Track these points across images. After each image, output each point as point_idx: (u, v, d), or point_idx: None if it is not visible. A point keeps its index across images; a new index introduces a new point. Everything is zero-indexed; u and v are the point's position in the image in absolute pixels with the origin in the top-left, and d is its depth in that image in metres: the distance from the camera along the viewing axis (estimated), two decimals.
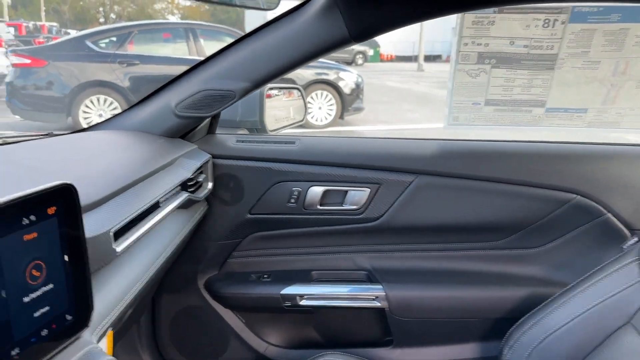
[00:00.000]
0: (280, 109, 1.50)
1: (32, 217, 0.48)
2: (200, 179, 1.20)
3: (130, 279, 0.84)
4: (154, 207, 0.92)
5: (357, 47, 20.11)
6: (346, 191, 1.30)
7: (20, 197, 0.46)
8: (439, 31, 22.02)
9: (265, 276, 1.38)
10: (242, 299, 1.36)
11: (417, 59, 21.52)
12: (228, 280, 1.39)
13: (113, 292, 0.78)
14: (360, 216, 1.31)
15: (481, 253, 1.36)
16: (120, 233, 0.77)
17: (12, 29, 19.48)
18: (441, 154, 1.30)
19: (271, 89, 1.43)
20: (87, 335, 0.62)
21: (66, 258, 0.55)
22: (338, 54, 14.73)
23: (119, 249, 0.76)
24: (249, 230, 1.36)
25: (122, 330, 1.15)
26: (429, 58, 25.39)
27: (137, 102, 1.23)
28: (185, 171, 1.11)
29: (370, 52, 23.78)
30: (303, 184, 1.30)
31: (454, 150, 1.31)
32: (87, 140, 1.09)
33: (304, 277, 1.37)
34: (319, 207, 1.31)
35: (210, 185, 1.27)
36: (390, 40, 26.03)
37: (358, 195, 1.30)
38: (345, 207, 1.31)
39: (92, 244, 0.66)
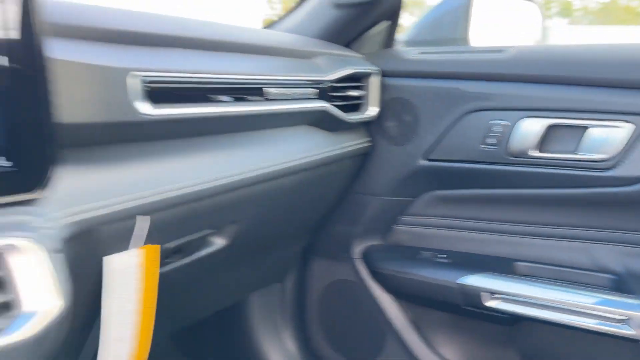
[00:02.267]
0: (497, 25, 1.04)
1: None
2: (354, 93, 0.86)
3: (179, 172, 0.57)
4: (250, 94, 0.66)
5: None
6: (585, 127, 0.77)
7: None
8: None
9: (442, 256, 0.94)
10: (408, 282, 0.95)
11: None
12: (392, 253, 1.00)
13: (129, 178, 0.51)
14: (607, 173, 0.76)
15: None
16: (162, 96, 0.52)
17: None
18: None
19: None
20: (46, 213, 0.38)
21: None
22: None
23: (145, 110, 0.50)
24: (423, 185, 0.94)
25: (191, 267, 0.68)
26: None
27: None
28: (321, 72, 0.79)
29: None
30: (511, 113, 0.82)
31: None
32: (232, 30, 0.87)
33: (502, 266, 0.88)
34: (534, 153, 0.81)
35: (374, 110, 0.91)
36: None
37: (606, 136, 0.76)
38: (580, 155, 0.78)
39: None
